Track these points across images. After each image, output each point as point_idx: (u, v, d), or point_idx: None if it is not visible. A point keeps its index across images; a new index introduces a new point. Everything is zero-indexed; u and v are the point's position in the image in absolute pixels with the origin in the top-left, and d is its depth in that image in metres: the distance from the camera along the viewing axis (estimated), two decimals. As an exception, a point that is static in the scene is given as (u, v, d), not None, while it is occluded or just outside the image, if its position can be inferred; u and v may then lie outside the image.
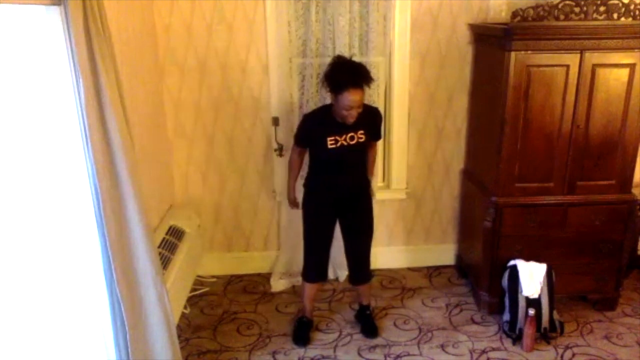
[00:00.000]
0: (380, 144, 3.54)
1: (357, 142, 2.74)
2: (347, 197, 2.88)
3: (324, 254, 3.00)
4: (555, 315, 3.06)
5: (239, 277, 3.75)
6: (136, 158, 2.25)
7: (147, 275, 2.27)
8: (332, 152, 2.72)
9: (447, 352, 2.96)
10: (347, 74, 2.57)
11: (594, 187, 3.09)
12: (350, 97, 2.54)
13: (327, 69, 2.65)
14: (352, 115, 2.61)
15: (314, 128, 2.79)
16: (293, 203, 3.10)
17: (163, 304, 2.35)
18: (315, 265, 3.01)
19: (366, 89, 3.37)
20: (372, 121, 2.84)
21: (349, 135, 2.72)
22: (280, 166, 3.50)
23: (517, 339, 3.01)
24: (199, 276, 3.64)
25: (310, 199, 2.94)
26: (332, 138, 2.71)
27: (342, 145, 2.72)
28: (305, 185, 2.96)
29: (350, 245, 3.01)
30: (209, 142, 3.51)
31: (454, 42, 3.42)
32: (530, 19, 2.93)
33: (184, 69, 3.35)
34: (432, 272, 3.81)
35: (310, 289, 3.08)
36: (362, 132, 2.74)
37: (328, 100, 2.84)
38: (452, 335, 3.11)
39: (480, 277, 3.30)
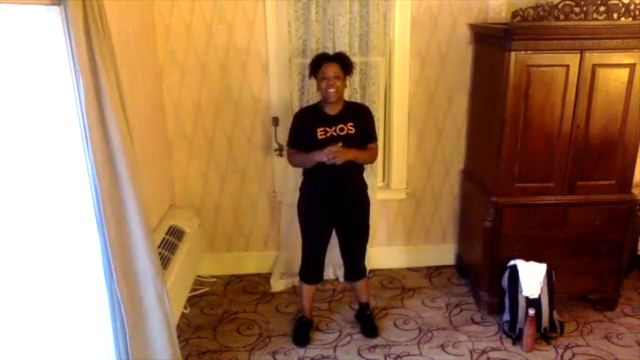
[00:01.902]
0: (380, 144, 3.55)
1: (347, 134, 2.77)
2: (342, 199, 2.87)
3: (320, 256, 3.02)
4: (555, 315, 3.06)
5: (239, 277, 3.75)
6: (136, 158, 2.25)
7: (147, 275, 2.27)
8: (322, 143, 2.73)
9: (447, 352, 2.96)
10: (324, 54, 2.86)
11: (594, 187, 3.09)
12: (326, 69, 2.72)
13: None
14: (332, 87, 2.72)
15: (304, 122, 2.85)
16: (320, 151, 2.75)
17: (163, 304, 2.35)
18: (311, 267, 3.03)
19: (366, 89, 3.37)
20: (361, 116, 2.86)
21: (339, 126, 2.77)
22: (280, 166, 3.50)
23: (517, 339, 3.01)
24: (199, 276, 3.64)
25: (306, 203, 2.95)
26: (322, 129, 2.77)
27: (332, 136, 2.76)
28: (301, 189, 2.98)
29: (345, 247, 3.03)
30: (209, 142, 3.51)
31: (454, 42, 3.42)
32: (530, 19, 2.93)
33: (184, 69, 3.35)
34: (432, 272, 3.81)
35: (308, 289, 3.09)
36: (351, 124, 2.79)
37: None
38: (452, 335, 3.11)
39: (480, 277, 3.30)
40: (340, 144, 2.70)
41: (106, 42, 2.00)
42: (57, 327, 2.09)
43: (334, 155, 2.67)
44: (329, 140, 2.74)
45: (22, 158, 1.93)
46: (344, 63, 2.76)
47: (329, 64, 2.72)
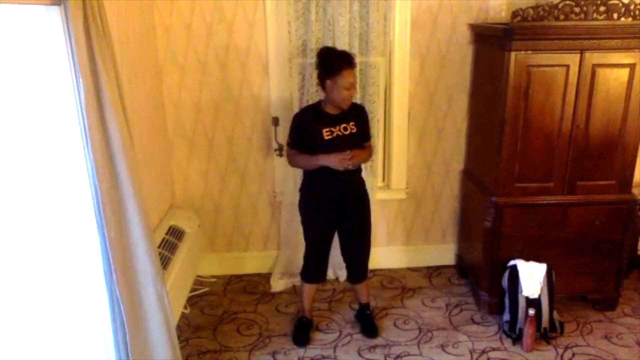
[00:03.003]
0: (380, 144, 3.56)
1: (351, 133, 2.78)
2: (344, 199, 2.87)
3: (323, 256, 3.01)
4: (555, 315, 3.06)
5: (239, 277, 3.75)
6: (136, 158, 2.25)
7: (147, 275, 2.27)
8: (329, 143, 2.73)
9: (447, 352, 2.96)
10: (341, 57, 2.72)
11: (594, 187, 3.09)
12: (349, 77, 2.67)
13: (319, 57, 2.77)
14: (350, 96, 2.73)
15: (306, 124, 2.82)
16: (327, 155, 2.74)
17: (163, 304, 2.35)
18: (313, 267, 3.02)
19: (366, 89, 3.38)
20: (360, 116, 2.88)
21: (342, 126, 2.78)
22: (280, 166, 3.51)
23: (517, 339, 3.01)
24: (199, 276, 3.64)
25: (307, 204, 2.95)
26: (327, 129, 2.76)
27: (337, 135, 2.76)
28: (302, 189, 2.97)
29: (347, 247, 3.02)
30: (209, 142, 3.51)
31: (454, 42, 3.42)
32: (530, 19, 2.92)
33: (184, 69, 3.35)
34: (432, 272, 3.81)
35: (309, 289, 3.09)
36: (353, 123, 2.80)
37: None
38: (452, 335, 3.11)
39: (480, 277, 3.30)
40: (348, 152, 2.70)
41: (106, 42, 2.00)
42: (57, 327, 2.09)
43: (349, 160, 2.67)
44: (335, 140, 2.74)
45: (23, 158, 1.93)
46: (355, 67, 2.77)
47: (350, 72, 2.67)
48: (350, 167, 2.71)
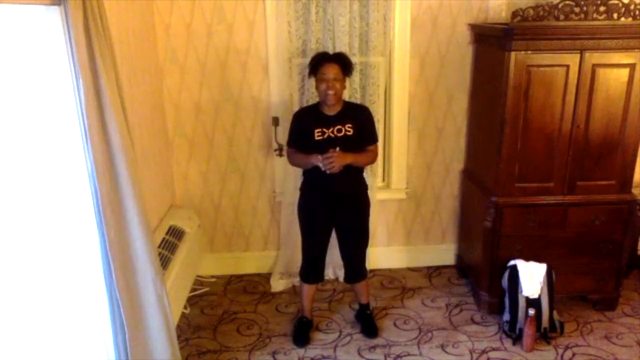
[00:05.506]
0: (380, 144, 3.55)
1: (345, 135, 2.75)
2: (341, 200, 2.87)
3: (320, 256, 3.01)
4: (555, 315, 3.06)
5: (239, 277, 3.75)
6: (136, 158, 2.25)
7: (147, 275, 2.27)
8: (319, 144, 2.72)
9: (447, 352, 2.96)
10: (322, 53, 2.82)
11: (594, 187, 3.09)
12: (326, 70, 2.69)
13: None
14: (331, 89, 2.69)
15: (302, 122, 2.84)
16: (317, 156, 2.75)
17: (163, 304, 2.35)
18: (311, 267, 3.03)
19: (366, 89, 3.36)
20: (360, 117, 2.83)
21: (336, 127, 2.76)
22: (280, 166, 3.50)
23: (517, 339, 3.01)
24: (199, 276, 3.64)
25: (305, 202, 2.95)
26: (319, 130, 2.75)
27: (329, 137, 2.74)
28: (301, 189, 2.98)
29: (344, 247, 3.02)
30: (209, 142, 3.51)
31: (454, 42, 3.42)
32: (530, 19, 2.93)
33: (184, 69, 3.35)
34: (432, 272, 3.81)
35: (308, 289, 3.09)
36: (349, 125, 2.77)
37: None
38: (452, 335, 3.11)
39: (480, 277, 3.30)
40: (337, 149, 2.68)
41: (106, 42, 2.00)
42: (57, 327, 2.09)
43: (330, 163, 2.65)
44: (326, 141, 2.73)
45: (23, 158, 1.93)
46: (344, 64, 2.73)
47: (329, 65, 2.69)
48: (334, 170, 2.66)
